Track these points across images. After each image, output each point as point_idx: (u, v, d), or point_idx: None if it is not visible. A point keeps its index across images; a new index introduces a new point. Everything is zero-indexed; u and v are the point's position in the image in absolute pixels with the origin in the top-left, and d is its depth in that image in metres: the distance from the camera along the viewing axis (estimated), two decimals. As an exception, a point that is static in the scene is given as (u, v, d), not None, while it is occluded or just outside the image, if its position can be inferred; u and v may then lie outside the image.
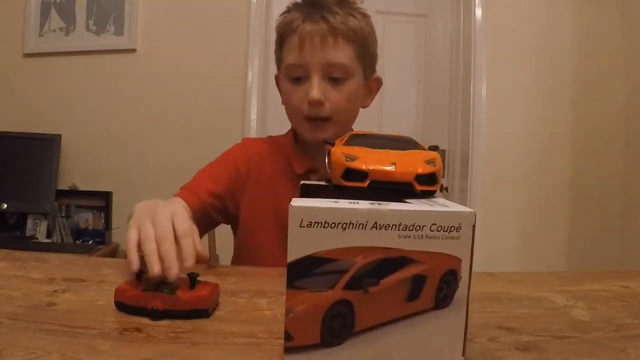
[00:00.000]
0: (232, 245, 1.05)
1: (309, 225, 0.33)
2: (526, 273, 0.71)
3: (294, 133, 0.90)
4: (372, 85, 0.87)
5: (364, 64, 0.82)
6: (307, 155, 0.85)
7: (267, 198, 0.84)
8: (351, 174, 0.41)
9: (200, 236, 0.83)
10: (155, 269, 0.47)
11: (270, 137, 0.95)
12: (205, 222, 0.83)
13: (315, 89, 0.76)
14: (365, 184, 0.40)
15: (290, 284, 0.33)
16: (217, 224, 0.88)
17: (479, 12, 2.24)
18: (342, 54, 0.77)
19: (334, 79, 0.78)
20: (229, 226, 0.92)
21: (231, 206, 0.85)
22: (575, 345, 0.42)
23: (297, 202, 0.34)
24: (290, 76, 0.80)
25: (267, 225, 0.83)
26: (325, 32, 0.75)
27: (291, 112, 0.82)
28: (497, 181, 2.24)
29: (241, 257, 0.89)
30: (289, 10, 0.82)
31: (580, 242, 2.23)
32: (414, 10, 2.45)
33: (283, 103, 0.87)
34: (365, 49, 0.81)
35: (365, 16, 0.81)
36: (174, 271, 0.47)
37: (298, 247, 0.33)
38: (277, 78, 0.90)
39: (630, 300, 0.57)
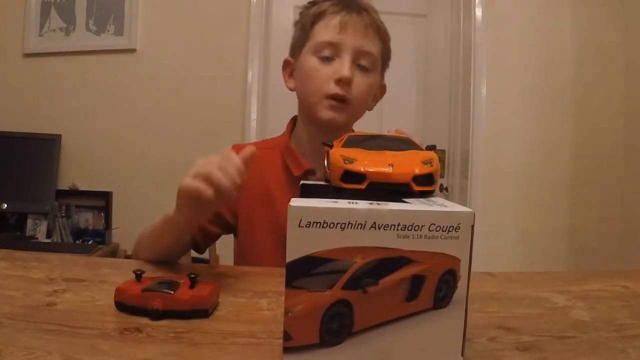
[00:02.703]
0: (232, 246, 1.05)
1: (307, 225, 0.33)
2: (526, 273, 0.71)
3: (290, 133, 0.89)
4: (378, 89, 0.88)
5: (383, 64, 0.85)
6: (305, 156, 0.84)
7: (262, 203, 0.83)
8: (349, 176, 0.41)
9: (202, 251, 0.85)
10: (222, 180, 0.53)
11: (263, 140, 0.95)
12: (204, 237, 0.84)
13: (347, 69, 0.77)
14: (364, 186, 0.40)
15: (289, 283, 0.33)
16: (218, 236, 0.88)
17: (479, 12, 2.24)
18: (375, 47, 0.81)
19: (361, 66, 0.80)
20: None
21: (229, 217, 0.85)
22: (575, 345, 0.42)
23: (296, 202, 0.34)
24: (320, 53, 0.80)
25: (263, 230, 0.82)
26: (367, 23, 0.79)
27: (312, 89, 0.81)
28: (497, 181, 2.24)
29: (241, 258, 0.88)
30: (316, 2, 0.83)
31: (580, 242, 2.24)
32: (414, 10, 2.45)
33: (292, 88, 0.87)
34: (388, 51, 0.86)
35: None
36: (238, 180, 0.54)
37: (297, 247, 0.33)
38: (287, 63, 0.89)
39: (630, 300, 0.57)
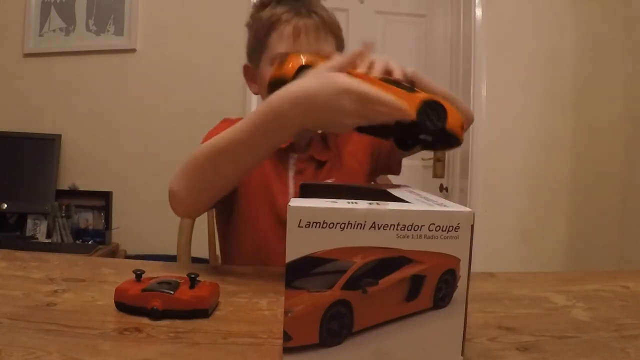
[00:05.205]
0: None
1: (307, 226, 0.33)
2: (526, 273, 0.71)
3: None
4: None
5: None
6: None
7: (257, 176, 0.85)
8: None
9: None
10: None
11: None
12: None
13: None
14: None
15: (289, 284, 0.33)
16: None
17: (479, 12, 2.24)
18: (329, 45, 0.83)
19: None
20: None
21: None
22: (575, 345, 0.42)
23: (295, 202, 0.34)
24: None
25: (259, 203, 0.84)
26: (319, 26, 0.80)
27: None
28: (497, 181, 2.24)
29: (237, 245, 0.88)
30: (266, 4, 0.84)
31: (580, 242, 2.23)
32: (414, 10, 2.45)
33: (255, 92, 0.91)
34: (341, 43, 0.87)
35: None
36: None
37: (297, 247, 0.33)
38: (248, 68, 0.92)
39: (630, 300, 0.57)
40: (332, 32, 0.83)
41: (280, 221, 0.84)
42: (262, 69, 0.85)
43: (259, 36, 0.84)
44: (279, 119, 0.58)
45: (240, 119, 0.94)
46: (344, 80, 0.55)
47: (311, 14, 0.80)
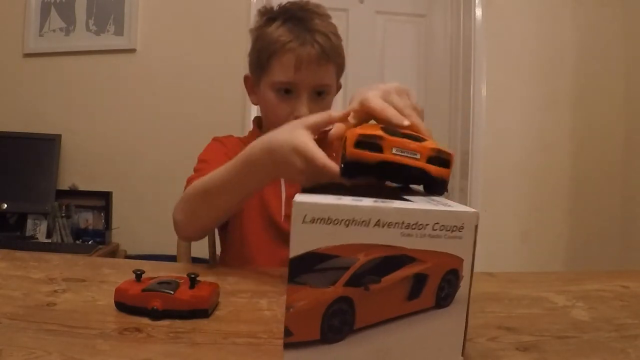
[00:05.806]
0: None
1: (312, 221, 0.33)
2: (526, 273, 0.71)
3: (259, 131, 0.94)
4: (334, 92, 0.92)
5: (338, 77, 0.90)
6: None
7: None
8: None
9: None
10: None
11: (238, 137, 0.99)
12: None
13: (305, 107, 0.82)
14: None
15: (292, 279, 0.33)
16: None
17: (479, 12, 2.24)
18: (329, 76, 0.85)
19: (318, 93, 0.84)
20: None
21: None
22: (575, 345, 0.42)
23: (301, 197, 0.34)
24: (279, 90, 0.84)
25: (254, 218, 0.86)
26: (320, 57, 0.82)
27: (272, 122, 0.84)
28: (497, 181, 2.24)
29: (231, 252, 0.90)
30: (272, 19, 0.85)
31: (580, 242, 2.24)
32: (414, 10, 2.45)
33: (255, 103, 0.93)
34: (341, 65, 0.89)
35: (334, 26, 0.87)
36: None
37: (301, 242, 0.33)
38: (248, 79, 0.93)
39: (630, 300, 0.57)
40: (332, 60, 0.85)
41: (272, 224, 0.86)
42: (262, 89, 0.87)
43: (261, 56, 0.85)
44: (252, 166, 0.62)
45: (229, 136, 0.97)
46: (301, 139, 0.56)
47: (314, 43, 0.81)
